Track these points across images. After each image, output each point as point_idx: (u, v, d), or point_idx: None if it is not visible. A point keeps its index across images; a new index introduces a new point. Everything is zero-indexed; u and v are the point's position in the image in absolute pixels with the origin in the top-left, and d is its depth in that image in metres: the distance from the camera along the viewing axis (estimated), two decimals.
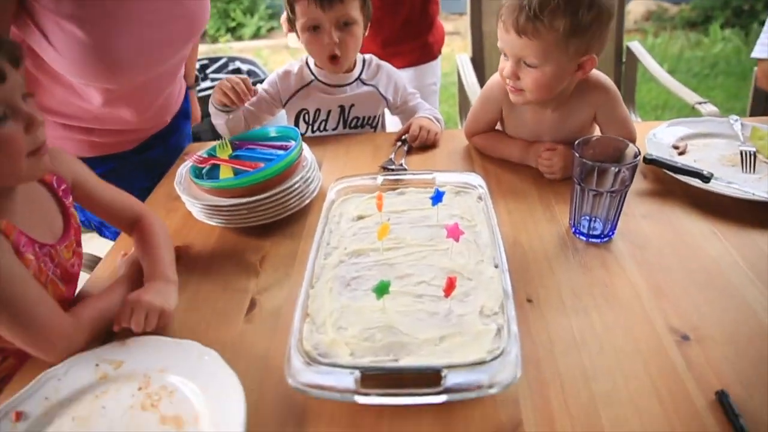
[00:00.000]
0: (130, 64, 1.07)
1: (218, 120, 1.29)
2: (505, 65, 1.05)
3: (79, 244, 0.88)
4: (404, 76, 1.50)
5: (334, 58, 1.27)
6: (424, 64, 1.82)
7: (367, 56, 1.41)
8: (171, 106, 1.33)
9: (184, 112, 1.42)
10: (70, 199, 0.86)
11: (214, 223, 1.01)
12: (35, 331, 0.70)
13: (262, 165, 1.00)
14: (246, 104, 1.29)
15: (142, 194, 1.12)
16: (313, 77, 1.36)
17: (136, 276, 0.86)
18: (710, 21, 4.62)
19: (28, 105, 0.70)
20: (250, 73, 3.01)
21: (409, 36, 1.75)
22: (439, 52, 1.86)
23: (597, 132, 1.16)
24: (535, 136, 1.16)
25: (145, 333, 0.75)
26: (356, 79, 1.38)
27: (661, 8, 4.99)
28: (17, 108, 0.68)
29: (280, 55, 4.74)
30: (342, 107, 1.39)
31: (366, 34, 1.33)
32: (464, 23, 2.26)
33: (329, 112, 1.40)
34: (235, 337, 0.78)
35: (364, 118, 1.43)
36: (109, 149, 1.24)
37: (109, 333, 0.76)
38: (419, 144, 1.29)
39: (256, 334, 0.78)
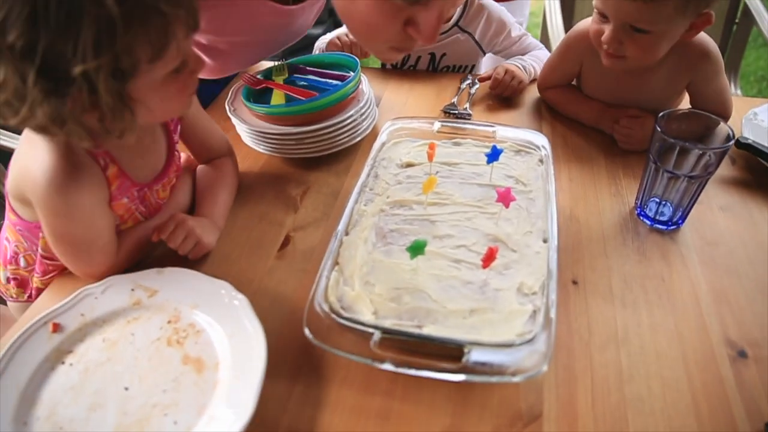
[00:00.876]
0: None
1: None
2: (602, 28, 0.90)
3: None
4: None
5: None
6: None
7: None
8: None
9: None
10: (178, 134, 0.83)
11: (260, 150, 0.98)
12: (83, 263, 0.73)
13: (315, 94, 0.95)
14: None
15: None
16: None
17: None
18: None
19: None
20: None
21: None
22: None
23: (686, 101, 1.04)
24: (615, 99, 1.04)
25: (175, 260, 0.75)
26: (453, 26, 1.26)
27: None
28: (191, 54, 0.65)
29: None
30: (432, 54, 1.30)
31: None
32: None
33: (418, 58, 1.31)
34: (264, 273, 0.77)
35: (454, 66, 1.33)
36: None
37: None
38: (501, 92, 1.15)
39: (285, 272, 0.77)
